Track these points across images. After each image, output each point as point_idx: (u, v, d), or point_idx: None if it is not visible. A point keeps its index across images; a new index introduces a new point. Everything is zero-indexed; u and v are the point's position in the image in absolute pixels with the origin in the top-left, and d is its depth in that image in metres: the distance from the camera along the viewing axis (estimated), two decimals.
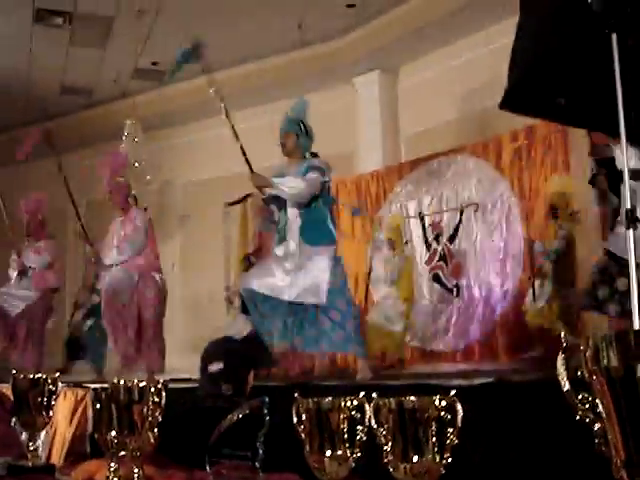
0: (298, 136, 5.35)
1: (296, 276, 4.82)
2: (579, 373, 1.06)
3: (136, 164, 7.40)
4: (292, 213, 4.99)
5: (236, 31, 8.41)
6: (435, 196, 7.71)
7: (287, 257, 4.91)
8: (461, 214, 7.32)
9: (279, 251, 4.97)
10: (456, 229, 7.39)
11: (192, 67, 9.28)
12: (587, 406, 1.08)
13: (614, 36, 2.49)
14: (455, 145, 7.81)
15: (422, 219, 7.82)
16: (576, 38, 2.67)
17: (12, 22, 8.19)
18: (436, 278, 7.65)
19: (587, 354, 0.95)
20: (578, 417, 1.09)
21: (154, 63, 9.34)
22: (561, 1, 2.70)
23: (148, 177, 8.66)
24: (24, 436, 3.30)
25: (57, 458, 4.20)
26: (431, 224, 7.76)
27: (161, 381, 1.80)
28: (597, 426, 1.06)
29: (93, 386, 4.39)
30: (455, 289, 7.45)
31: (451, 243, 7.49)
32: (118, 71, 9.48)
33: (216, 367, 2.53)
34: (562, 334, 1.09)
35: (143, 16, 8.08)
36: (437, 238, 7.66)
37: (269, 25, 8.26)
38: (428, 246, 7.74)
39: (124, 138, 9.53)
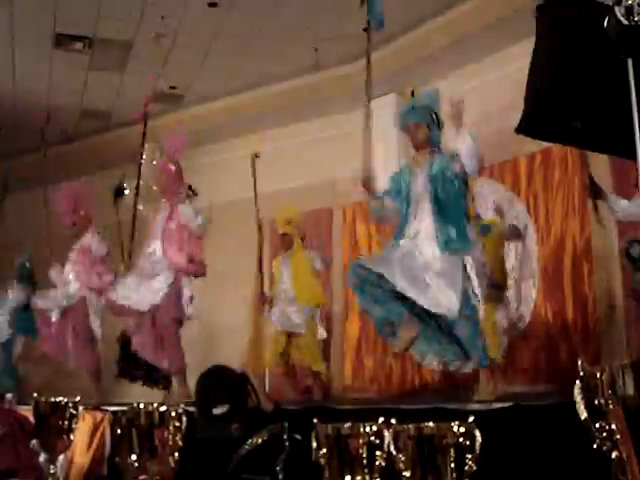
0: (429, 127, 4.96)
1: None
2: (596, 401, 1.07)
3: (154, 187, 7.46)
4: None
5: (253, 54, 8.49)
6: None
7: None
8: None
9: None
10: None
11: (210, 89, 9.43)
12: (604, 434, 1.08)
13: (630, 61, 2.51)
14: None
15: None
16: (592, 62, 2.69)
17: (32, 47, 8.31)
18: None
19: (603, 383, 0.96)
20: (596, 446, 1.10)
21: (172, 87, 9.44)
22: (577, 26, 2.72)
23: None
24: (42, 458, 3.32)
25: None
26: None
27: (182, 406, 1.81)
28: (615, 454, 1.07)
29: (112, 409, 4.42)
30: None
31: None
32: (136, 95, 9.58)
33: (221, 410, 2.40)
34: (579, 362, 1.10)
35: (161, 40, 8.17)
36: None
37: (285, 49, 8.34)
38: None
39: (142, 161, 9.61)
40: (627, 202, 4.89)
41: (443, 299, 4.35)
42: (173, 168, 6.23)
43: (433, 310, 4.38)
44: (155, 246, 6.09)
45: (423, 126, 4.91)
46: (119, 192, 7.70)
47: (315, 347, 7.23)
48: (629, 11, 2.50)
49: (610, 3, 2.52)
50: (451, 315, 4.35)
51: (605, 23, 2.53)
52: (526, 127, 2.97)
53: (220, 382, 2.61)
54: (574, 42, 2.74)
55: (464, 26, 7.56)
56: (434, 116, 4.96)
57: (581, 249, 6.63)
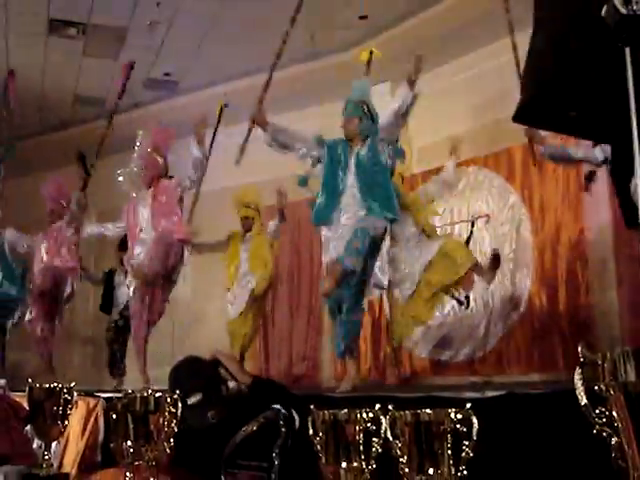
0: (361, 119, 5.12)
1: None
2: (596, 387, 1.07)
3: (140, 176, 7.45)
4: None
5: (248, 43, 8.45)
6: (446, 208, 7.72)
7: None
8: (472, 226, 7.32)
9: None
10: (467, 241, 7.40)
11: (205, 77, 9.39)
12: (604, 420, 1.08)
13: (627, 50, 2.50)
14: (467, 157, 7.82)
15: None
16: (589, 51, 2.68)
17: (26, 33, 8.26)
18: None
19: (605, 369, 0.96)
20: (595, 432, 1.10)
21: (166, 74, 9.41)
22: (574, 14, 2.71)
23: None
24: (36, 445, 3.32)
25: (69, 467, 4.23)
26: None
27: (177, 392, 1.81)
28: (614, 440, 1.07)
29: (104, 395, 4.43)
30: (465, 301, 7.44)
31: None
32: (130, 82, 9.54)
33: (195, 399, 2.42)
34: (580, 348, 1.10)
35: (156, 27, 8.14)
36: None
37: (281, 36, 8.30)
38: None
39: (136, 148, 9.56)
40: (554, 146, 5.15)
41: None
42: (160, 161, 6.36)
43: None
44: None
45: (354, 119, 5.09)
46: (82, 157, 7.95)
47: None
48: (627, 0, 2.50)
49: None
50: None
51: (603, 12, 2.52)
52: (522, 115, 2.96)
53: (190, 372, 2.62)
54: (572, 31, 2.74)
55: (459, 16, 7.54)
56: (365, 108, 5.13)
57: (575, 238, 6.64)
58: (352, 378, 4.77)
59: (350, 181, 4.98)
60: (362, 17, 8.03)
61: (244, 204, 7.52)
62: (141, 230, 6.19)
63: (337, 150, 5.13)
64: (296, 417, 2.08)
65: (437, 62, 8.12)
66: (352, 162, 5.02)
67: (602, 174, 6.38)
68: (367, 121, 5.11)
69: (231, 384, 2.60)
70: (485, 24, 7.31)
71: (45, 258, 7.31)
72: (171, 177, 6.46)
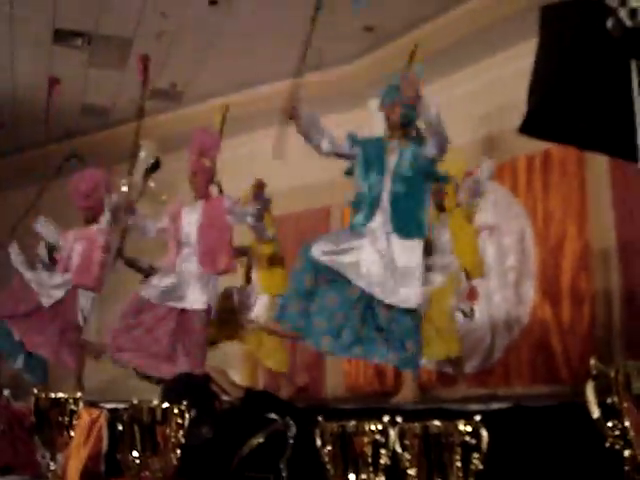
0: (403, 107, 4.66)
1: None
2: (609, 400, 1.07)
3: (152, 184, 7.42)
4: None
5: (253, 52, 8.49)
6: None
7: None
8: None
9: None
10: None
11: (209, 88, 9.42)
12: (617, 433, 1.08)
13: (633, 63, 2.51)
14: (470, 168, 7.82)
15: None
16: (595, 63, 2.69)
17: (32, 43, 8.30)
18: None
19: (617, 382, 0.96)
20: (608, 444, 1.09)
21: (172, 84, 9.44)
22: (580, 26, 2.72)
23: (164, 197, 8.70)
24: (40, 455, 3.31)
25: (73, 478, 4.21)
26: None
27: (184, 403, 1.81)
28: (627, 453, 1.07)
29: (109, 406, 4.41)
30: (470, 312, 7.43)
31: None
32: (136, 92, 9.57)
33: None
34: (592, 362, 1.10)
35: (161, 38, 8.17)
36: None
37: (286, 47, 8.32)
38: None
39: (141, 157, 9.57)
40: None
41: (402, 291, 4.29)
42: (209, 165, 6.00)
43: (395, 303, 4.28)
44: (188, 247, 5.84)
45: (397, 106, 4.64)
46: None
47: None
48: (633, 13, 2.51)
49: (614, 5, 2.52)
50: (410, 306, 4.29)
51: (609, 24, 2.53)
52: (528, 127, 2.97)
53: (181, 389, 2.62)
54: (577, 43, 2.74)
55: (465, 26, 7.56)
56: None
57: (579, 251, 6.63)
58: (413, 388, 4.40)
59: (387, 188, 4.53)
60: (368, 28, 8.05)
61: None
62: (180, 243, 5.87)
63: (371, 150, 4.70)
64: (292, 426, 2.08)
65: (441, 73, 8.14)
66: (392, 163, 4.59)
67: (608, 179, 6.41)
68: (412, 112, 4.65)
69: (224, 398, 2.61)
70: (488, 36, 7.34)
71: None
72: (220, 190, 6.21)
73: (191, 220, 5.82)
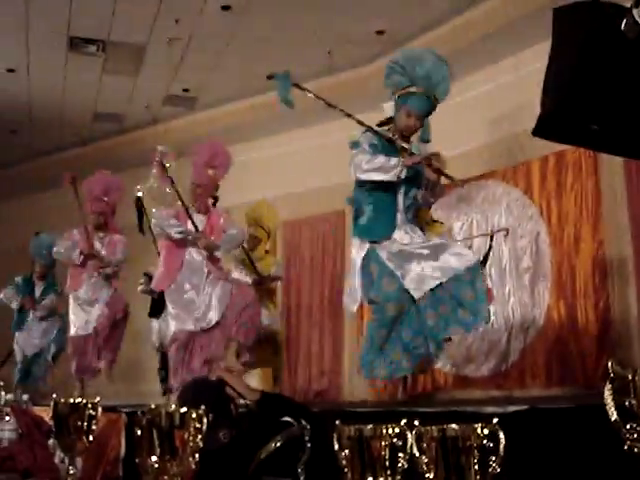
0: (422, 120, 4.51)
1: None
2: (627, 403, 1.07)
3: (168, 189, 7.43)
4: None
5: (266, 57, 8.50)
6: (465, 222, 7.71)
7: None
8: (491, 239, 7.30)
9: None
10: (486, 254, 7.38)
11: (223, 94, 9.45)
12: (635, 436, 1.08)
13: None
14: (485, 170, 7.81)
15: None
16: (609, 65, 2.68)
17: (47, 50, 8.36)
18: None
19: (635, 384, 0.96)
20: (626, 448, 1.09)
21: (185, 90, 9.48)
22: (593, 27, 2.72)
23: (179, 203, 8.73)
24: (57, 459, 3.34)
25: None
26: None
27: (202, 407, 1.82)
28: None
29: (126, 410, 4.44)
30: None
31: (482, 268, 7.46)
32: (150, 98, 9.62)
33: None
34: (609, 364, 1.10)
35: (175, 44, 8.21)
36: None
37: (299, 52, 8.35)
38: None
39: (154, 164, 9.59)
40: None
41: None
42: (216, 180, 5.98)
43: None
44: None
45: (421, 116, 4.49)
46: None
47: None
48: None
49: (628, 5, 2.52)
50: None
51: (623, 25, 2.53)
52: (542, 129, 2.97)
53: (197, 395, 2.62)
54: (590, 44, 2.74)
55: (477, 29, 7.55)
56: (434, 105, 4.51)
57: (594, 252, 6.61)
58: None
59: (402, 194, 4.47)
60: (379, 32, 8.06)
61: (255, 221, 7.04)
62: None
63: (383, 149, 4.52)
64: (309, 429, 2.09)
65: (454, 76, 8.11)
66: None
67: (622, 180, 6.39)
68: (428, 122, 4.53)
69: (240, 402, 2.62)
70: (500, 39, 7.32)
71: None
72: (215, 199, 6.06)
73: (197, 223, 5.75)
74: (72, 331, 6.83)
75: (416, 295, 4.20)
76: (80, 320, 6.76)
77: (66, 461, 2.38)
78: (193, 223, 5.65)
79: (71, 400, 2.28)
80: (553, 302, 6.82)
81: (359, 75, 8.81)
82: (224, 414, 2.44)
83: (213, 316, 5.55)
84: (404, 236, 4.38)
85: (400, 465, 1.49)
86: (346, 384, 8.48)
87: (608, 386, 1.11)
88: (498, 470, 1.35)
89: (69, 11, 7.52)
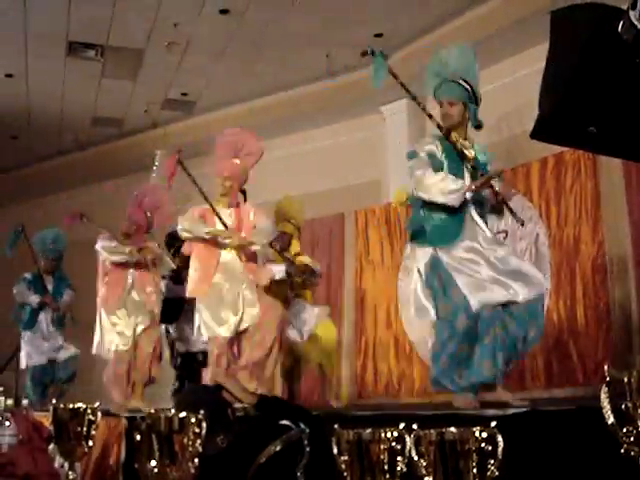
0: (466, 105, 4.22)
1: None
2: (623, 406, 1.07)
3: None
4: None
5: (264, 61, 8.52)
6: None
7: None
8: None
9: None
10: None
11: (221, 97, 9.46)
12: (632, 439, 1.08)
13: None
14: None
15: None
16: (606, 66, 2.68)
17: (46, 55, 8.37)
18: None
19: (632, 387, 0.96)
20: (623, 451, 1.09)
21: (184, 94, 9.49)
22: (591, 29, 2.72)
23: (178, 207, 8.72)
24: (57, 464, 3.33)
25: None
26: None
27: (204, 412, 1.82)
28: None
29: (126, 415, 4.43)
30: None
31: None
32: (148, 102, 9.63)
33: None
34: (605, 367, 1.10)
35: (173, 48, 8.22)
36: None
37: (297, 55, 8.36)
38: None
39: (154, 168, 9.64)
40: None
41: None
42: (246, 173, 5.56)
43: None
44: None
45: (459, 103, 4.23)
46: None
47: None
48: None
49: (625, 7, 2.52)
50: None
51: (620, 27, 2.53)
52: (540, 132, 2.97)
53: (193, 400, 2.61)
54: (588, 46, 2.74)
55: (475, 32, 7.56)
56: (470, 90, 4.24)
57: (594, 253, 6.60)
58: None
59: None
60: (377, 35, 8.07)
61: (283, 216, 6.64)
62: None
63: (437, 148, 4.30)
64: (307, 430, 2.08)
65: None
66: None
67: (621, 182, 6.39)
68: (474, 108, 4.26)
69: (237, 406, 2.60)
70: (501, 40, 7.33)
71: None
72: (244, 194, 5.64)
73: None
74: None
75: (475, 305, 4.01)
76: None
77: (66, 466, 2.37)
78: (222, 221, 5.31)
79: (71, 405, 2.28)
80: (553, 304, 6.81)
81: (357, 78, 8.82)
82: (221, 419, 2.43)
83: (250, 319, 5.22)
84: (469, 243, 4.17)
85: (399, 469, 1.49)
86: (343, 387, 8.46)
87: (604, 389, 1.10)
88: (497, 473, 1.35)
89: (67, 16, 7.53)
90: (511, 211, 4.26)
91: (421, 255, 4.31)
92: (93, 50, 8.29)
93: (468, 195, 4.11)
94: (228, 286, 5.25)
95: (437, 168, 4.16)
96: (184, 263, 6.43)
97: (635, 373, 0.98)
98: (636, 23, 2.48)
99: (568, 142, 3.37)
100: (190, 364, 6.71)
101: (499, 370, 3.98)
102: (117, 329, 6.26)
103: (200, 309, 5.27)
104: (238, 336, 5.22)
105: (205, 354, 5.70)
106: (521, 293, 3.99)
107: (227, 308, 5.20)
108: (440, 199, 4.08)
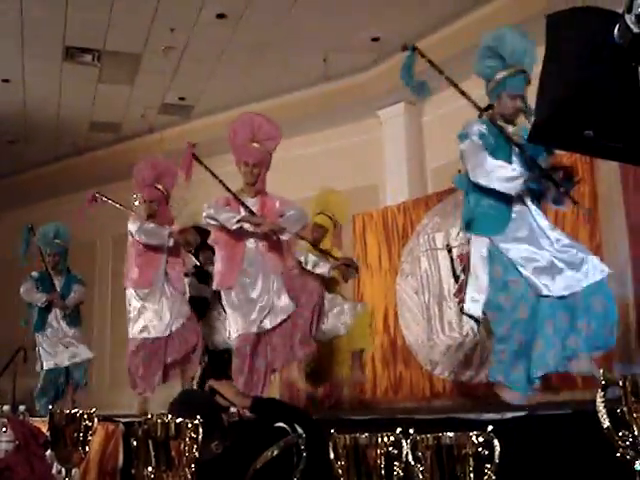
0: (524, 97, 4.09)
1: None
2: (619, 410, 1.06)
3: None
4: None
5: (261, 65, 8.53)
6: (462, 227, 7.70)
7: None
8: None
9: None
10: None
11: (218, 102, 9.46)
12: (627, 443, 1.08)
13: None
14: None
15: (450, 251, 7.81)
16: (603, 70, 2.68)
17: (42, 60, 8.37)
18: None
19: (627, 391, 0.96)
20: (619, 454, 1.09)
21: (181, 98, 9.49)
22: (587, 33, 2.72)
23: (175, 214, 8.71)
24: (55, 470, 3.33)
25: None
26: (459, 255, 7.74)
27: (198, 417, 1.81)
28: (639, 464, 1.06)
29: (124, 420, 4.43)
30: (483, 318, 7.40)
31: None
32: (145, 106, 9.63)
33: None
34: (601, 371, 1.10)
35: (170, 53, 8.22)
36: (465, 270, 7.63)
37: (294, 59, 8.37)
38: (456, 278, 7.71)
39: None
40: None
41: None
42: (270, 157, 5.27)
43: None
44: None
45: (520, 95, 4.10)
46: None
47: None
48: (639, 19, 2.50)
49: (621, 11, 2.53)
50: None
51: (616, 31, 2.53)
52: (537, 135, 2.97)
53: (186, 406, 2.59)
54: (584, 50, 2.74)
55: (472, 36, 7.56)
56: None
57: None
58: None
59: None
60: (375, 39, 8.08)
61: (322, 210, 6.42)
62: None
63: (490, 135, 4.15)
64: (301, 432, 2.07)
65: (457, 78, 8.15)
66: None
67: (618, 184, 6.39)
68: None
69: (232, 410, 2.59)
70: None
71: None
72: None
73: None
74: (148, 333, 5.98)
75: (538, 293, 3.87)
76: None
77: (63, 472, 2.37)
78: (247, 209, 5.01)
79: (67, 411, 2.28)
80: None
81: (355, 82, 8.84)
82: (215, 425, 2.42)
83: (281, 313, 4.93)
84: (526, 232, 4.03)
85: (396, 474, 1.49)
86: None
87: (600, 393, 1.10)
88: (494, 478, 1.35)
89: (64, 21, 7.54)
90: (574, 201, 4.17)
91: (478, 245, 4.17)
92: (90, 55, 8.30)
93: (525, 186, 3.99)
94: (253, 280, 4.97)
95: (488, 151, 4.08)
96: (207, 259, 6.37)
97: (630, 377, 0.98)
98: (632, 27, 2.49)
99: (565, 146, 3.36)
100: (216, 362, 6.36)
101: (562, 360, 3.86)
102: (149, 313, 5.93)
103: (227, 303, 5.03)
104: (269, 332, 4.94)
105: (230, 352, 5.36)
106: (583, 280, 3.88)
107: (255, 302, 4.93)
108: (499, 186, 3.99)
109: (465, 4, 7.53)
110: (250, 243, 5.03)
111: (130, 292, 6.07)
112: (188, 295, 6.31)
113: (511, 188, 3.96)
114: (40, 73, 8.68)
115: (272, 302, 4.93)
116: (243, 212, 5.01)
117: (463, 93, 4.35)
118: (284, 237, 5.01)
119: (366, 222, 8.61)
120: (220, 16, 7.55)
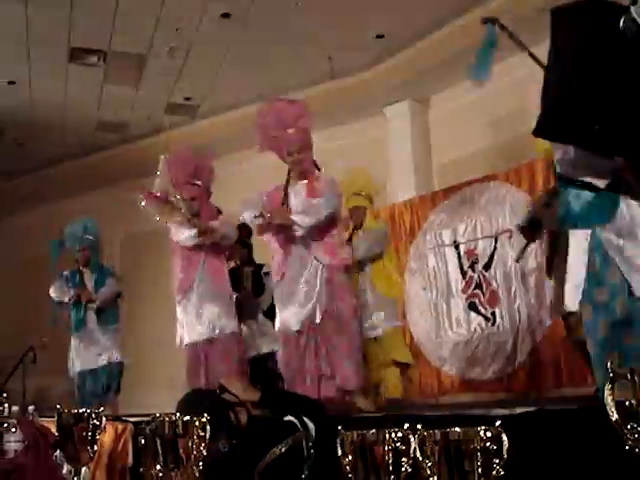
0: None
1: None
2: (627, 403, 1.06)
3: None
4: None
5: (267, 64, 8.52)
6: (469, 224, 7.69)
7: None
8: (495, 241, 7.29)
9: None
10: (491, 256, 7.37)
11: (225, 101, 9.46)
12: (636, 436, 1.07)
13: None
14: (488, 172, 7.81)
15: (457, 247, 7.81)
16: (608, 64, 2.67)
17: (48, 61, 8.39)
18: (472, 306, 7.61)
19: (636, 384, 0.95)
20: (627, 448, 1.08)
21: (187, 98, 9.50)
22: (592, 27, 2.71)
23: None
24: (65, 470, 3.33)
25: None
26: (466, 252, 7.74)
27: (205, 415, 1.81)
28: None
29: (133, 419, 4.43)
30: (492, 317, 7.41)
31: (486, 271, 7.46)
32: (151, 107, 9.65)
33: None
34: (609, 363, 1.09)
35: (175, 53, 8.23)
36: (472, 266, 7.63)
37: (299, 58, 8.36)
38: (464, 274, 7.71)
39: (158, 173, 9.59)
40: None
41: None
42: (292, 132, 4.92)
43: None
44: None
45: None
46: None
47: None
48: None
49: (626, 4, 2.51)
50: None
51: (621, 24, 2.52)
52: (543, 130, 2.95)
53: (194, 405, 2.59)
54: (589, 44, 2.73)
55: (476, 33, 7.54)
56: None
57: None
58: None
59: None
60: (379, 36, 8.07)
61: (353, 192, 6.09)
62: None
63: None
64: (311, 425, 2.07)
65: (456, 78, 8.15)
66: None
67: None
68: None
69: (239, 408, 2.59)
70: (502, 39, 7.30)
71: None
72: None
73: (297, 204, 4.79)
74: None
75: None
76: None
77: (72, 472, 2.37)
78: (283, 200, 4.75)
79: (75, 410, 2.27)
80: None
81: (359, 80, 8.83)
82: (223, 423, 2.42)
83: (318, 310, 4.63)
84: (624, 222, 3.81)
85: (403, 470, 1.48)
86: None
87: (608, 386, 1.10)
88: (502, 473, 1.34)
89: (69, 22, 7.55)
90: None
91: (577, 237, 4.11)
92: (95, 56, 8.31)
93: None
94: (291, 274, 4.72)
95: None
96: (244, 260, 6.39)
97: (638, 370, 0.97)
98: (637, 19, 2.48)
99: (570, 140, 3.35)
100: (260, 371, 5.94)
101: None
102: (187, 319, 5.50)
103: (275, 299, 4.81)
104: (312, 329, 4.66)
105: (274, 356, 5.12)
106: None
107: (294, 299, 4.68)
108: (586, 178, 3.87)
109: (469, 0, 7.50)
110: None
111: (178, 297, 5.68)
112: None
113: (599, 182, 3.79)
114: (46, 75, 8.70)
115: (311, 299, 4.67)
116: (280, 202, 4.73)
117: (538, 62, 4.10)
118: (298, 233, 4.72)
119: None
120: (225, 15, 7.56)
